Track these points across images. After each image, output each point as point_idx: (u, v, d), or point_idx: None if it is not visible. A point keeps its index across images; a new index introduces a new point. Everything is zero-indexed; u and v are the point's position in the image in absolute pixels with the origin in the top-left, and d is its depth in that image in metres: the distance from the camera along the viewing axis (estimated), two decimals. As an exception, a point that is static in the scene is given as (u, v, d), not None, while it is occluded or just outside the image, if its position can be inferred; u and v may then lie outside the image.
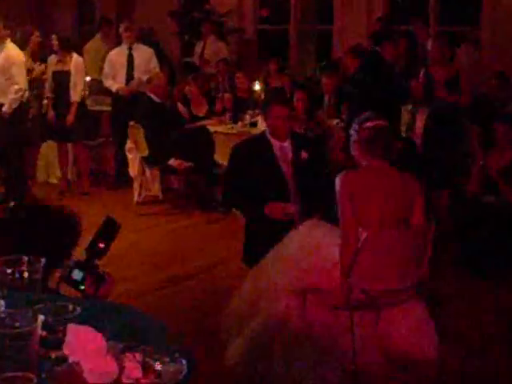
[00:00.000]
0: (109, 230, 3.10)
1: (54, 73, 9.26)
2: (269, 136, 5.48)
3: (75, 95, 9.14)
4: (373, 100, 6.95)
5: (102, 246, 3.04)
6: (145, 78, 9.58)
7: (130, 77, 9.85)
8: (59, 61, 9.30)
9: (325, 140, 7.92)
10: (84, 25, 16.78)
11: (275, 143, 5.45)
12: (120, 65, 9.91)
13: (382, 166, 4.49)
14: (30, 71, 9.19)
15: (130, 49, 9.96)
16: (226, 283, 5.74)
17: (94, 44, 11.41)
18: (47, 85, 9.33)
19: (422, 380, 4.35)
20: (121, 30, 10.68)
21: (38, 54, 9.71)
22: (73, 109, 9.10)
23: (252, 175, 5.35)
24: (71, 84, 9.16)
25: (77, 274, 2.92)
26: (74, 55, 9.39)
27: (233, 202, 5.80)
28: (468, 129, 7.47)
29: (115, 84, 9.81)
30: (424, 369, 4.40)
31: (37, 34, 9.57)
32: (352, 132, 4.63)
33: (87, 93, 9.80)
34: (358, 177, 4.53)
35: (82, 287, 2.95)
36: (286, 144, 5.47)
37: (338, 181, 4.41)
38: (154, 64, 10.09)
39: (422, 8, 12.79)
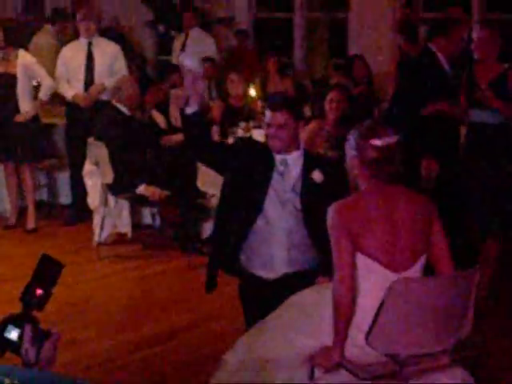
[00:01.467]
0: (47, 271, 3.04)
1: None
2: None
3: (43, 95, 9.32)
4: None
5: (39, 292, 2.99)
6: (108, 82, 9.54)
7: (89, 81, 9.71)
8: (2, 59, 9.32)
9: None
10: (28, 12, 16.85)
11: (276, 155, 5.49)
12: (77, 65, 9.75)
13: (389, 188, 4.47)
14: None
15: (90, 44, 9.77)
16: (211, 346, 5.74)
17: (44, 38, 11.36)
18: None
19: None
20: (78, 18, 10.61)
21: None
22: (25, 116, 9.22)
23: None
24: (18, 89, 9.19)
25: (11, 333, 2.85)
26: (21, 52, 9.39)
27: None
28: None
29: (70, 89, 9.69)
30: None
31: None
32: (352, 145, 4.52)
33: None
34: (357, 205, 4.47)
35: (20, 349, 2.90)
36: (293, 157, 5.48)
37: (329, 212, 4.42)
38: (121, 65, 9.93)
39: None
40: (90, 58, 9.73)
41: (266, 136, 5.57)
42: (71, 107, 9.77)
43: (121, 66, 9.91)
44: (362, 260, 4.37)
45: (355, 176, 4.55)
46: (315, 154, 5.67)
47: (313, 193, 5.31)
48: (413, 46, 10.23)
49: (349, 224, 4.35)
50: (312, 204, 5.21)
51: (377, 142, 4.38)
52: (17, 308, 2.95)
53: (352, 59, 11.52)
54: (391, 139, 4.41)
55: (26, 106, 9.26)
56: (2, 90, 9.26)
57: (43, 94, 9.36)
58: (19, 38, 9.85)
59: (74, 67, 9.74)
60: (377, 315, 4.16)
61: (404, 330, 4.25)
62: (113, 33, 13.12)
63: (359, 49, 12.25)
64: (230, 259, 5.58)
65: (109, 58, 9.86)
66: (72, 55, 9.82)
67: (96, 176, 8.79)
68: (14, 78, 9.22)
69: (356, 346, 4.34)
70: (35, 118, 9.43)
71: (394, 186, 4.46)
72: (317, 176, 5.48)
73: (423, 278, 4.41)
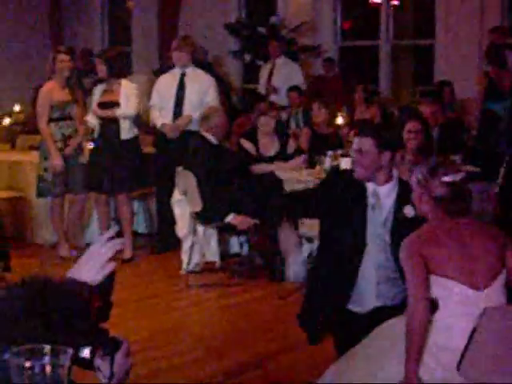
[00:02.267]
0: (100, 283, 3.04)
1: (101, 104, 9.36)
2: None
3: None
4: None
5: (98, 305, 3.00)
6: (196, 115, 9.38)
7: (178, 111, 9.65)
8: (105, 91, 9.44)
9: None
10: (116, 43, 17.10)
11: (368, 186, 5.45)
12: (168, 94, 9.71)
13: (461, 220, 4.46)
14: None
15: (183, 75, 9.70)
16: (299, 374, 5.74)
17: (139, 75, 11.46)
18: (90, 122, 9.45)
19: None
20: (171, 48, 10.53)
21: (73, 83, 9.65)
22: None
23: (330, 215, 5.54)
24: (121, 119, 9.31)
25: (83, 351, 2.80)
26: (124, 81, 9.48)
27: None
28: None
29: (160, 118, 9.68)
30: None
31: (65, 56, 9.42)
32: (420, 180, 4.53)
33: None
34: (431, 235, 4.49)
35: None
36: (385, 190, 5.46)
37: (403, 244, 4.43)
38: (213, 97, 9.73)
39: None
40: (181, 88, 9.65)
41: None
42: (160, 136, 9.80)
43: (212, 98, 9.70)
44: (440, 282, 4.38)
45: (424, 212, 4.57)
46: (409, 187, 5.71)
47: (404, 227, 5.15)
48: (500, 71, 10.11)
49: (423, 251, 4.38)
50: (402, 238, 5.16)
51: (447, 179, 4.41)
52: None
53: (441, 86, 11.50)
54: (459, 176, 4.44)
55: (126, 134, 9.34)
56: (107, 119, 9.36)
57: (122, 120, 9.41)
58: (120, 67, 9.87)
59: (165, 96, 9.72)
60: (469, 341, 4.13)
61: (500, 355, 4.20)
62: (198, 61, 13.21)
63: (445, 75, 12.22)
64: (339, 308, 5.53)
65: (201, 89, 9.72)
66: (165, 84, 9.84)
67: (184, 205, 8.82)
68: (117, 105, 9.31)
69: (446, 369, 4.30)
70: (136, 146, 9.53)
71: (465, 218, 4.48)
72: (408, 211, 5.41)
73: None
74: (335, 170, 5.81)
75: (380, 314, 5.20)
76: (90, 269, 2.90)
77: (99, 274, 2.88)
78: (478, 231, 4.46)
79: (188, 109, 9.61)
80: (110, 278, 2.92)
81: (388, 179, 5.43)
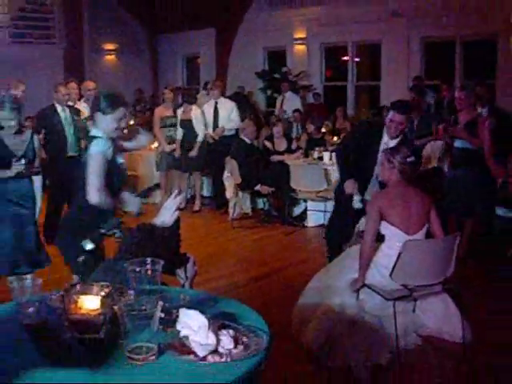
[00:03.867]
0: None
1: (182, 121, 9.36)
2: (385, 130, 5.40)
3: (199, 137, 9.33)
4: None
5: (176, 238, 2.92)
6: (227, 126, 9.50)
7: (215, 125, 9.61)
8: (183, 112, 9.42)
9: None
10: (190, 83, 17.06)
11: (384, 136, 5.36)
12: (209, 115, 9.65)
13: (404, 185, 4.43)
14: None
15: (216, 103, 9.67)
16: (296, 281, 5.63)
17: (202, 97, 11.44)
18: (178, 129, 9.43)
19: (450, 357, 4.25)
20: (209, 86, 10.64)
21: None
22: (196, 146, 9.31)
23: (357, 152, 5.46)
24: (195, 128, 9.29)
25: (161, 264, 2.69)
26: (194, 106, 9.44)
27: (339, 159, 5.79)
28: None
29: (205, 130, 9.50)
30: (451, 348, 4.34)
31: (168, 92, 9.71)
32: (385, 162, 4.48)
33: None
34: (386, 195, 4.45)
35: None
36: (393, 142, 5.31)
37: (369, 200, 4.45)
38: (235, 115, 9.71)
39: (448, 66, 12.73)
40: (216, 111, 9.62)
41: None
42: (207, 141, 9.60)
43: (235, 116, 9.70)
44: (388, 227, 4.37)
45: (387, 179, 4.52)
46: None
47: None
48: (419, 99, 9.88)
49: (380, 204, 4.35)
50: None
51: (409, 160, 4.38)
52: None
53: (381, 108, 11.26)
54: (412, 158, 4.41)
55: (200, 138, 9.34)
56: (186, 129, 9.30)
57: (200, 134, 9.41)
58: (191, 96, 9.91)
59: (208, 116, 9.63)
60: (397, 260, 4.14)
61: (413, 270, 4.21)
62: (240, 96, 13.21)
63: (387, 102, 12.17)
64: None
65: (228, 111, 9.66)
66: (207, 109, 9.72)
67: (230, 179, 8.83)
68: (190, 121, 9.30)
69: (383, 277, 4.33)
70: (202, 146, 9.46)
71: (409, 185, 4.44)
72: (356, 204, 5.41)
73: (426, 240, 4.39)
74: (366, 121, 5.60)
75: None
76: (166, 215, 2.93)
77: (171, 219, 2.91)
78: (415, 196, 4.39)
79: (221, 123, 9.58)
80: (177, 222, 2.94)
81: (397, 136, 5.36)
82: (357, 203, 5.39)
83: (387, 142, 5.34)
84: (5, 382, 1.88)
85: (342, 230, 5.57)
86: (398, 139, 5.34)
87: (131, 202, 4.14)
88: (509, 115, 7.79)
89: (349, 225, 5.46)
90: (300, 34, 14.72)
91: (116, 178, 3.98)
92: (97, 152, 3.83)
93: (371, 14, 13.16)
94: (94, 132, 3.96)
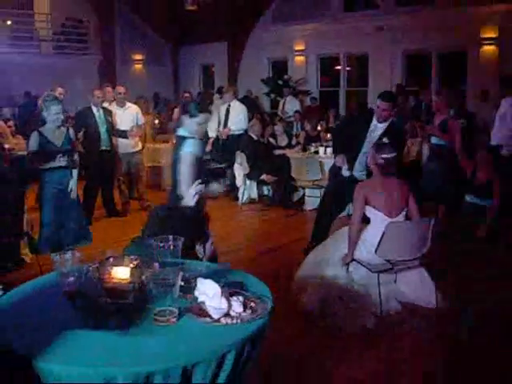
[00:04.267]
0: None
1: None
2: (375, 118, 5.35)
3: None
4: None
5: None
6: (233, 127, 9.09)
7: (226, 124, 9.31)
8: None
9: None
10: (206, 88, 17.00)
11: (374, 120, 5.30)
12: (222, 116, 9.38)
13: (385, 176, 4.38)
14: None
15: (229, 105, 9.34)
16: (296, 256, 5.61)
17: (216, 101, 11.42)
18: None
19: (425, 321, 4.24)
20: (223, 91, 10.49)
21: None
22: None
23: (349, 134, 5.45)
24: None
25: (199, 248, 2.77)
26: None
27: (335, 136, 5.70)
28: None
29: (217, 129, 9.28)
30: (426, 313, 4.33)
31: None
32: (372, 155, 4.43)
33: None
34: (371, 184, 4.41)
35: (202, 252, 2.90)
36: (380, 125, 5.25)
37: (356, 187, 4.40)
38: (244, 116, 9.31)
39: (425, 74, 12.66)
40: (227, 112, 9.30)
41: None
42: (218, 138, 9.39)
43: (244, 117, 9.28)
44: (372, 211, 4.35)
45: (372, 170, 4.49)
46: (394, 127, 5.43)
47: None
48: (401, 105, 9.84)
49: (365, 192, 4.32)
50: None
51: (384, 156, 4.33)
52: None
53: (370, 110, 11.25)
54: (392, 154, 4.35)
55: (210, 134, 9.09)
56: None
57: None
58: (205, 100, 9.79)
59: (220, 117, 9.38)
60: (381, 239, 4.14)
61: (395, 247, 4.20)
62: (248, 99, 13.16)
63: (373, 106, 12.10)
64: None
65: (237, 113, 9.30)
66: (222, 110, 9.46)
67: (240, 169, 8.81)
68: None
69: (369, 253, 4.31)
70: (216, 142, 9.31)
71: (390, 177, 4.40)
72: (344, 172, 5.40)
73: (405, 221, 4.36)
74: (360, 104, 5.57)
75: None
76: (188, 198, 2.93)
77: (193, 201, 2.91)
78: (396, 184, 4.36)
79: (230, 123, 9.24)
80: (199, 204, 2.95)
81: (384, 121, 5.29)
82: (345, 172, 5.44)
83: (376, 124, 5.30)
84: (47, 340, 1.88)
85: (335, 194, 5.55)
86: (386, 124, 5.27)
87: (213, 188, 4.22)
88: (475, 116, 7.79)
89: (340, 192, 5.45)
90: (299, 47, 14.72)
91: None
92: (187, 153, 3.92)
93: (360, 30, 13.27)
94: (180, 132, 4.10)
